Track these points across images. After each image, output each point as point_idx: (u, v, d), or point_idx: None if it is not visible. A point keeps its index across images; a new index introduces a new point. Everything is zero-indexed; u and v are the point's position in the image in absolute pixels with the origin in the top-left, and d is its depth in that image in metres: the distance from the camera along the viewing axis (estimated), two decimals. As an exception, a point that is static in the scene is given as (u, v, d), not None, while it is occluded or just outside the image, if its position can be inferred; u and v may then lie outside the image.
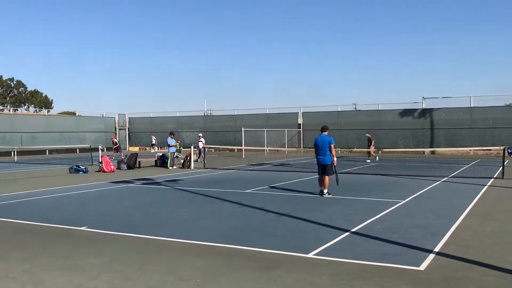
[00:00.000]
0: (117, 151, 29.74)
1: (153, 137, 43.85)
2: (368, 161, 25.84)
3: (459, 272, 5.44)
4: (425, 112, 34.85)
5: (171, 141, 23.15)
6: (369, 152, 26.92)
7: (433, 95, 41.00)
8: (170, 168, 22.31)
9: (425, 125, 34.70)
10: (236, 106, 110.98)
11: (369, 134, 27.89)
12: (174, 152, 23.15)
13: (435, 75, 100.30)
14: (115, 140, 31.36)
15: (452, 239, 7.07)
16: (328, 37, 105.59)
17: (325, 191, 11.96)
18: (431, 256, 6.13)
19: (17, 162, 28.85)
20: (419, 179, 16.12)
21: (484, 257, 6.03)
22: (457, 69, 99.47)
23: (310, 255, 6.24)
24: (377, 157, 27.72)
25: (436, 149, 32.53)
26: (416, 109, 35.34)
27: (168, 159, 22.87)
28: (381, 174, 17.96)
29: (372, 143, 26.80)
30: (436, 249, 6.46)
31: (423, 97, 35.54)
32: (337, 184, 12.46)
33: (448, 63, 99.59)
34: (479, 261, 5.87)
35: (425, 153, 34.07)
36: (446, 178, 16.42)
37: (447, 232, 7.57)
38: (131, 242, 7.14)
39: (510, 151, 28.63)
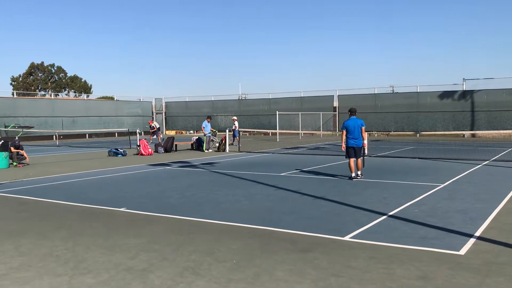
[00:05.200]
0: (154, 135, 30.28)
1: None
2: None
3: (502, 257, 5.29)
4: (466, 94, 33.78)
5: (205, 124, 23.36)
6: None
7: (474, 77, 39.75)
8: (206, 151, 22.54)
9: (466, 107, 33.65)
10: (271, 89, 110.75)
11: None
12: (209, 136, 23.36)
13: (477, 56, 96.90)
14: (153, 124, 31.89)
15: (494, 224, 6.87)
16: (364, 19, 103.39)
17: (359, 173, 11.88)
18: (472, 240, 5.98)
19: (58, 146, 29.78)
20: (458, 162, 15.70)
21: (528, 243, 5.84)
22: (500, 49, 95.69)
23: (346, 238, 6.20)
24: None
25: (477, 132, 31.56)
26: (456, 91, 34.30)
27: (204, 143, 23.11)
28: (419, 158, 17.59)
29: None
30: (477, 234, 6.29)
31: (463, 79, 34.51)
32: (363, 166, 12.28)
33: (489, 42, 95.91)
34: (522, 246, 5.70)
35: (465, 136, 33.14)
36: (487, 161, 15.93)
37: (489, 216, 7.36)
38: (169, 223, 7.28)
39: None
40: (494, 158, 17.21)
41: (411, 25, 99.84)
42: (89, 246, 6.02)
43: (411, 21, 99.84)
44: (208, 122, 23.78)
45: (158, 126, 31.71)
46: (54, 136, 35.47)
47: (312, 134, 37.18)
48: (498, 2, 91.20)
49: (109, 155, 20.62)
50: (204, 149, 22.85)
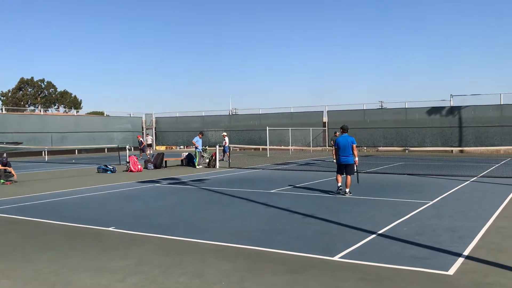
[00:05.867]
0: (143, 151, 30.02)
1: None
2: None
3: (490, 277, 5.31)
4: (453, 110, 34.13)
5: (197, 140, 23.30)
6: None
7: (461, 93, 40.11)
8: (197, 167, 22.45)
9: (453, 123, 33.98)
10: (261, 105, 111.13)
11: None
12: (201, 151, 23.30)
13: (464, 72, 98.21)
14: (141, 139, 31.68)
15: (482, 243, 6.90)
16: (353, 37, 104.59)
17: (347, 190, 12.00)
18: (460, 260, 6.00)
19: (47, 162, 29.52)
20: (447, 179, 15.80)
21: (516, 262, 5.86)
22: (486, 65, 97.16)
23: (336, 258, 6.19)
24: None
25: (465, 148, 31.81)
26: (443, 107, 34.65)
27: (196, 159, 23.02)
28: (408, 174, 17.68)
29: None
30: (465, 253, 6.31)
31: (451, 95, 34.81)
32: (358, 182, 12.69)
33: (476, 59, 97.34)
34: (511, 266, 5.72)
35: (453, 152, 33.39)
36: (475, 178, 16.05)
37: (477, 235, 7.40)
38: (158, 243, 7.21)
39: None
40: (481, 174, 17.35)
41: (399, 42, 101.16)
42: (76, 268, 5.93)
43: (399, 38, 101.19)
44: (200, 137, 23.73)
45: (149, 142, 31.45)
46: (43, 152, 35.16)
47: (302, 149, 37.25)
48: (485, 19, 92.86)
49: (98, 172, 20.47)
50: (196, 165, 22.77)
